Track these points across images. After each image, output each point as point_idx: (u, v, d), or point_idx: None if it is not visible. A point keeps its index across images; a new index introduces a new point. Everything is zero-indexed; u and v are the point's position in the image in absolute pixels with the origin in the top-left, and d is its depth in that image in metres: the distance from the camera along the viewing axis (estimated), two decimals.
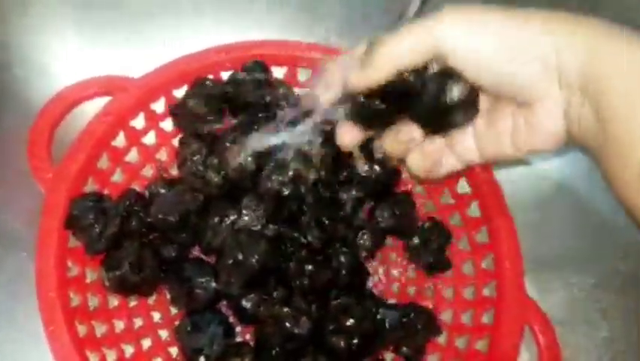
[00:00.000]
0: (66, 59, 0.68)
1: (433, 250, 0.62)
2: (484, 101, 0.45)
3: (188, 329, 0.56)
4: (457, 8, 0.40)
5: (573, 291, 0.65)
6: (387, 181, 0.63)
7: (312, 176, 0.58)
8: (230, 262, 0.55)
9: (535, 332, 0.56)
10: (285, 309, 0.55)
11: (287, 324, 0.54)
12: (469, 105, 0.44)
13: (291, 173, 0.57)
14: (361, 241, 0.62)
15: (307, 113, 0.58)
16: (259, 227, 0.59)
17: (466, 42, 0.40)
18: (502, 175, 0.61)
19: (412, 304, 0.59)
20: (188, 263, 0.59)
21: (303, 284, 0.57)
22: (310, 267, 0.57)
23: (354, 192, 0.61)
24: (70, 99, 0.60)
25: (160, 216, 0.57)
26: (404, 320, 0.58)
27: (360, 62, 0.43)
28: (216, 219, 0.58)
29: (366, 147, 0.55)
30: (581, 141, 0.40)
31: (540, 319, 0.57)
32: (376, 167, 0.61)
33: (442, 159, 0.49)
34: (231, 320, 0.59)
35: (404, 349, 0.58)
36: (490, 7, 0.40)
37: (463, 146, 0.48)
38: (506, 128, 0.44)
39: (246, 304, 0.57)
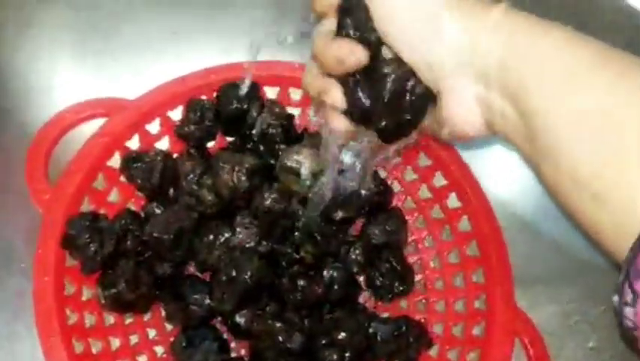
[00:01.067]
0: (63, 82, 0.69)
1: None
2: None
3: (183, 344, 0.57)
4: None
5: (562, 303, 0.66)
6: (379, 200, 0.65)
7: (303, 193, 0.59)
8: (224, 278, 0.56)
9: (525, 344, 0.57)
10: (278, 324, 0.56)
11: (280, 338, 0.55)
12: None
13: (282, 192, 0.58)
14: (353, 256, 0.64)
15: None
16: (253, 244, 0.60)
17: None
18: (491, 190, 0.63)
19: (403, 318, 0.60)
20: (183, 280, 0.60)
21: (296, 299, 0.58)
22: (303, 282, 0.58)
23: (340, 213, 0.61)
24: (67, 122, 0.61)
25: (155, 234, 0.58)
26: (396, 333, 0.58)
27: None
28: (211, 237, 0.60)
29: None
30: (504, 134, 0.40)
31: (530, 331, 0.58)
32: (371, 186, 0.62)
33: None
34: (226, 335, 0.60)
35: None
36: None
37: None
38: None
39: (240, 319, 0.58)
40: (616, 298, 0.33)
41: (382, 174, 0.67)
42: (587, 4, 0.63)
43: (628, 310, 0.33)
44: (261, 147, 0.63)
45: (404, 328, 0.59)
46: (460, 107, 0.41)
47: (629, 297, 0.32)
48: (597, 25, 0.62)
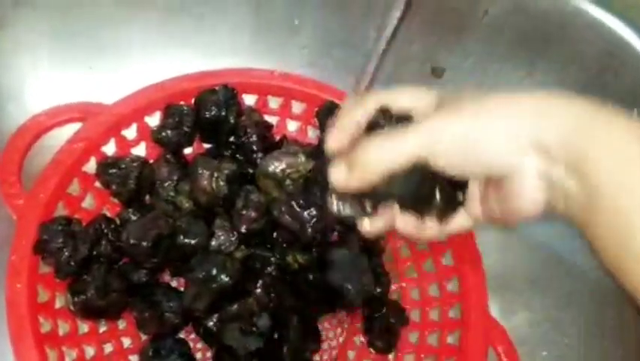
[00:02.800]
0: (38, 86, 0.68)
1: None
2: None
3: (150, 354, 0.56)
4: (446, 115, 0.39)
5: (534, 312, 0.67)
6: None
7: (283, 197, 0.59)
8: (201, 276, 0.56)
9: (498, 353, 0.58)
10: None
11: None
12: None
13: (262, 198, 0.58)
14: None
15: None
16: (232, 248, 0.60)
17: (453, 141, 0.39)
18: None
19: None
20: (158, 287, 0.59)
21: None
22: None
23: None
24: (42, 126, 0.60)
25: (132, 241, 0.57)
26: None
27: (346, 161, 0.41)
28: (189, 241, 0.59)
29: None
30: (565, 214, 0.38)
31: (503, 340, 0.58)
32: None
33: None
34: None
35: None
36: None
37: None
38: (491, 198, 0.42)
39: (211, 324, 0.58)
40: None
41: None
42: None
43: None
44: (239, 156, 0.63)
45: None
46: (522, 187, 0.39)
47: None
48: None
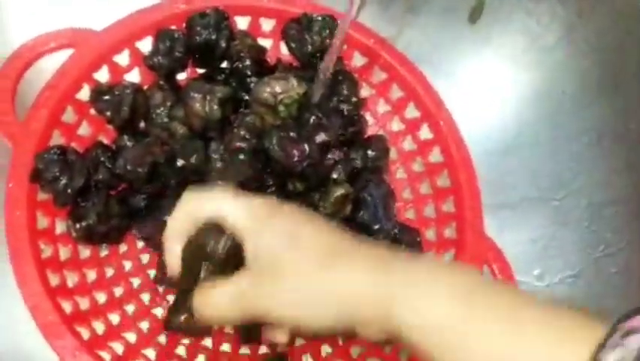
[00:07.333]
0: (25, 14, 0.67)
1: None
2: None
3: None
4: None
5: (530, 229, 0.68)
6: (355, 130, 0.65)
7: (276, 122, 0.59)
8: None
9: (493, 270, 0.59)
10: None
11: None
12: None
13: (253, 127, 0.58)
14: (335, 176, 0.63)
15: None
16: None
17: None
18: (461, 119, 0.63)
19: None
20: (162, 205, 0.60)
21: None
22: None
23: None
24: (33, 53, 0.59)
25: (129, 167, 0.57)
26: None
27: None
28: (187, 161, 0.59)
29: None
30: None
31: (498, 258, 0.59)
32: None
33: None
34: None
35: None
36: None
37: None
38: None
39: None
40: None
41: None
42: None
43: None
44: (232, 81, 0.63)
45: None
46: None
47: None
48: None
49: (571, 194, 0.70)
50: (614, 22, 0.71)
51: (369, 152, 0.64)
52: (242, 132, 0.57)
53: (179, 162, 0.57)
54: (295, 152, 0.57)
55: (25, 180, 0.55)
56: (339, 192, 0.58)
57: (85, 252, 0.59)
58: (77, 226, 0.56)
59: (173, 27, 0.63)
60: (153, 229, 0.58)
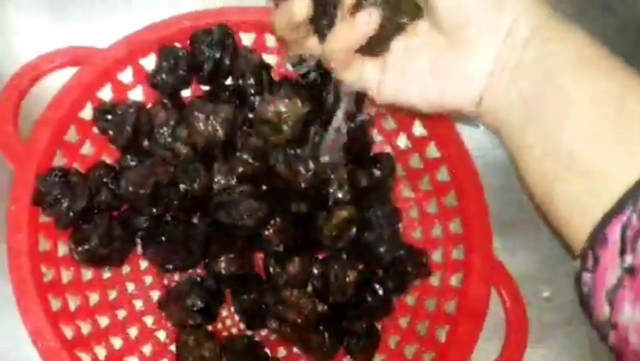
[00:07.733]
0: (30, 32, 0.67)
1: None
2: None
3: None
4: None
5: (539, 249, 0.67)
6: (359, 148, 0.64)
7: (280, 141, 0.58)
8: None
9: (501, 293, 0.58)
10: None
11: None
12: None
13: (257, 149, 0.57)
14: (340, 195, 0.62)
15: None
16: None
17: None
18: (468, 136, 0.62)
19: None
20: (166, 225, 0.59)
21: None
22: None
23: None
24: (36, 72, 0.59)
25: (131, 189, 0.57)
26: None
27: None
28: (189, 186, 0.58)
29: None
30: (494, 114, 0.39)
31: (506, 280, 0.58)
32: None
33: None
34: None
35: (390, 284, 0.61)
36: None
37: (367, 69, 0.44)
38: (418, 71, 0.41)
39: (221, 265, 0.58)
40: (578, 263, 0.34)
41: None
42: None
43: (587, 276, 0.34)
44: (236, 100, 0.62)
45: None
46: (467, 68, 0.39)
47: (590, 263, 0.33)
48: None
49: None
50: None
51: (375, 170, 0.63)
52: (245, 156, 0.57)
53: (182, 187, 0.57)
54: (301, 169, 0.57)
55: (27, 202, 0.54)
56: (343, 215, 0.58)
57: (87, 274, 0.59)
58: (79, 248, 0.55)
59: (177, 44, 0.62)
60: (156, 253, 0.57)
